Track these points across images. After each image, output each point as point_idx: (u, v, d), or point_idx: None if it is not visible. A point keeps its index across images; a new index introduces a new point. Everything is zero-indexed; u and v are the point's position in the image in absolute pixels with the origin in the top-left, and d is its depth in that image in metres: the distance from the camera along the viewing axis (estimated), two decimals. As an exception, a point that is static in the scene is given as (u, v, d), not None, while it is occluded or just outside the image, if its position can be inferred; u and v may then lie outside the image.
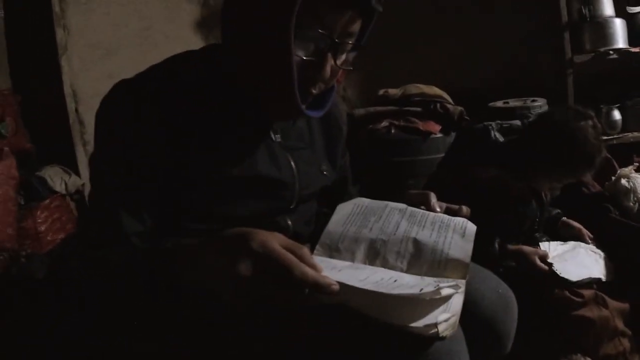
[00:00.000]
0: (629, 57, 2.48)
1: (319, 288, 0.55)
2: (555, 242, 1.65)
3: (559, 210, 1.77)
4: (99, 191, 0.74)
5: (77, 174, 2.17)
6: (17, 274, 1.55)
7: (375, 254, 0.71)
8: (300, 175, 0.85)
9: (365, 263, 0.70)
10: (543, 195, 1.62)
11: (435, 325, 0.58)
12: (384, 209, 0.79)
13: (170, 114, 0.72)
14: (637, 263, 1.64)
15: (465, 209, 0.80)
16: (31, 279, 1.52)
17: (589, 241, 1.68)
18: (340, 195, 1.02)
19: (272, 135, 0.83)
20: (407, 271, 0.69)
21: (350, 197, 1.03)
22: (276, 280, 0.54)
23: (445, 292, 0.60)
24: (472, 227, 0.75)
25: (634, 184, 1.85)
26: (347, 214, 0.78)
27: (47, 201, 1.95)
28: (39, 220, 1.90)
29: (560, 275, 1.50)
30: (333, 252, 0.72)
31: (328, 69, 0.72)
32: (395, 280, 0.64)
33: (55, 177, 2.04)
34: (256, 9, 0.68)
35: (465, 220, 0.77)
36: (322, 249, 0.72)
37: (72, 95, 2.21)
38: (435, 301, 0.60)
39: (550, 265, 1.51)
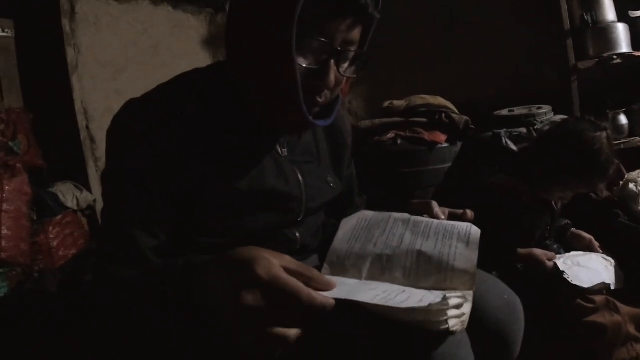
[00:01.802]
0: (633, 62, 2.48)
1: (327, 310, 0.55)
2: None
3: (568, 221, 1.76)
4: (112, 207, 0.75)
5: (89, 190, 2.19)
6: (30, 289, 1.57)
7: (382, 270, 0.72)
8: (308, 188, 0.86)
9: (372, 279, 0.71)
10: (553, 203, 1.62)
11: (446, 321, 0.59)
12: (387, 221, 0.79)
13: (180, 130, 0.73)
14: (648, 267, 1.63)
15: (469, 212, 0.81)
16: (44, 293, 1.54)
17: (600, 251, 1.67)
18: (347, 206, 1.03)
19: (279, 150, 0.84)
20: (415, 285, 0.69)
21: (357, 208, 1.04)
22: (282, 306, 0.53)
23: (453, 302, 0.60)
24: (476, 232, 0.75)
25: (642, 188, 1.84)
26: (352, 229, 0.78)
27: (59, 217, 1.97)
28: (51, 236, 1.93)
29: (572, 282, 1.49)
30: (340, 269, 0.72)
31: (332, 76, 0.73)
32: (404, 292, 0.64)
33: (67, 193, 2.07)
34: (257, 23, 0.70)
35: (469, 225, 0.77)
36: (330, 267, 0.73)
37: (83, 112, 2.24)
38: (444, 310, 0.60)
39: (562, 273, 1.50)
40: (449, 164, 2.21)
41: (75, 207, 2.08)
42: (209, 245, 0.76)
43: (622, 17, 2.56)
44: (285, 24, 0.66)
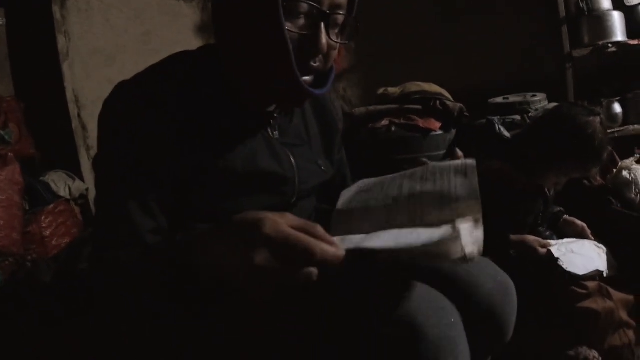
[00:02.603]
0: (628, 50, 2.48)
1: (342, 262, 0.54)
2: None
3: (560, 208, 1.77)
4: (108, 192, 0.74)
5: (81, 178, 2.19)
6: (23, 279, 1.57)
7: (387, 219, 0.71)
8: (300, 170, 0.85)
9: (379, 230, 0.69)
10: (546, 190, 1.63)
11: (462, 249, 0.57)
12: (384, 179, 0.80)
13: (172, 111, 0.73)
14: (640, 254, 1.65)
15: (458, 151, 0.82)
16: (37, 283, 1.54)
17: (592, 238, 1.68)
18: (340, 192, 1.04)
19: (271, 132, 0.84)
20: (423, 225, 0.67)
21: None
22: (295, 262, 0.53)
23: (464, 228, 0.59)
24: (471, 163, 0.75)
25: (635, 175, 1.85)
26: (353, 193, 0.79)
27: (52, 206, 1.97)
28: (44, 225, 1.92)
29: (567, 270, 1.49)
30: (346, 229, 0.71)
31: (324, 39, 0.72)
32: (413, 233, 0.64)
33: (59, 182, 2.06)
34: None
35: (462, 160, 0.77)
36: (336, 229, 0.72)
37: (75, 100, 2.23)
38: (457, 239, 0.59)
39: (556, 260, 1.51)
40: (443, 151, 2.21)
41: (68, 196, 2.07)
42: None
43: (617, 5, 2.55)
44: None
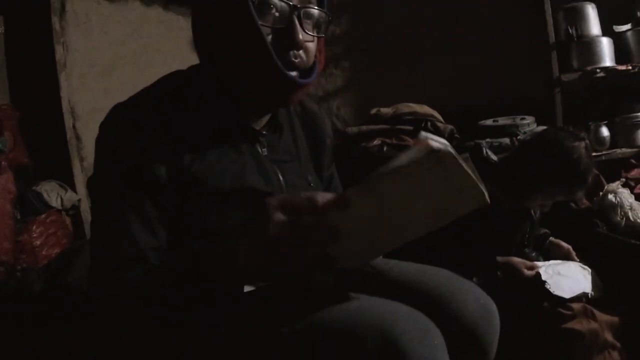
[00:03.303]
0: (616, 75, 2.52)
1: (341, 203, 0.59)
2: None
3: (546, 230, 1.80)
4: (107, 211, 0.74)
5: (74, 189, 2.17)
6: (13, 288, 1.56)
7: None
8: (288, 187, 0.87)
9: None
10: (532, 212, 1.66)
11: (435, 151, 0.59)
12: None
13: (165, 130, 0.75)
14: (625, 277, 1.67)
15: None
16: (27, 293, 1.53)
17: (578, 260, 1.70)
18: None
19: (260, 149, 0.86)
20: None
21: None
22: (305, 221, 0.58)
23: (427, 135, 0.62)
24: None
25: (620, 199, 1.88)
26: None
27: (43, 216, 1.96)
28: (35, 235, 1.91)
29: (554, 293, 1.52)
30: None
31: (298, 31, 0.76)
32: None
33: (52, 192, 2.06)
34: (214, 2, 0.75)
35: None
36: None
37: (70, 111, 2.23)
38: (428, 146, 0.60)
39: (544, 282, 1.53)
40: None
41: (60, 207, 2.06)
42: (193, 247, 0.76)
43: (606, 31, 2.60)
44: None
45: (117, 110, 0.77)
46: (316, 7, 0.79)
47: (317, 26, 0.80)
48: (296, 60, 0.77)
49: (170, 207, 0.75)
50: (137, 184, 0.73)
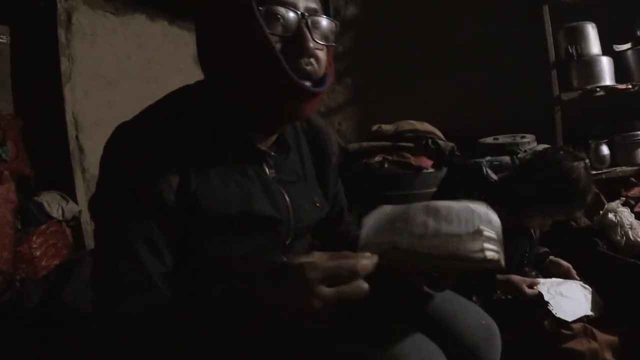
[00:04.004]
0: (615, 94, 2.54)
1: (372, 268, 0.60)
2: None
3: (546, 249, 1.80)
4: (111, 228, 0.72)
5: (75, 200, 2.18)
6: (11, 298, 1.56)
7: None
8: (295, 209, 0.85)
9: None
10: (532, 231, 1.66)
11: (482, 250, 0.63)
12: (407, 212, 0.80)
13: (171, 151, 0.73)
14: (625, 296, 1.66)
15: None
16: (25, 303, 1.53)
17: (578, 279, 1.70)
18: (338, 224, 1.04)
19: (267, 170, 0.84)
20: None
21: (348, 226, 1.05)
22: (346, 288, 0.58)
23: (486, 233, 0.65)
24: (496, 220, 0.77)
25: (620, 217, 1.89)
26: (375, 223, 0.79)
27: (44, 227, 1.96)
28: (35, 246, 1.91)
29: (556, 315, 1.51)
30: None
31: (308, 38, 0.74)
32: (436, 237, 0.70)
33: (53, 203, 2.06)
34: (219, 9, 0.74)
35: (487, 209, 0.79)
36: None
37: (74, 123, 2.24)
38: (479, 236, 0.64)
39: (546, 303, 1.52)
40: (435, 189, 2.24)
41: (60, 217, 2.07)
42: (206, 273, 0.75)
43: (606, 50, 2.63)
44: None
45: (123, 130, 0.75)
46: (324, 16, 0.77)
47: (325, 35, 0.78)
48: (307, 68, 0.75)
49: (176, 229, 0.73)
50: (144, 204, 0.71)
